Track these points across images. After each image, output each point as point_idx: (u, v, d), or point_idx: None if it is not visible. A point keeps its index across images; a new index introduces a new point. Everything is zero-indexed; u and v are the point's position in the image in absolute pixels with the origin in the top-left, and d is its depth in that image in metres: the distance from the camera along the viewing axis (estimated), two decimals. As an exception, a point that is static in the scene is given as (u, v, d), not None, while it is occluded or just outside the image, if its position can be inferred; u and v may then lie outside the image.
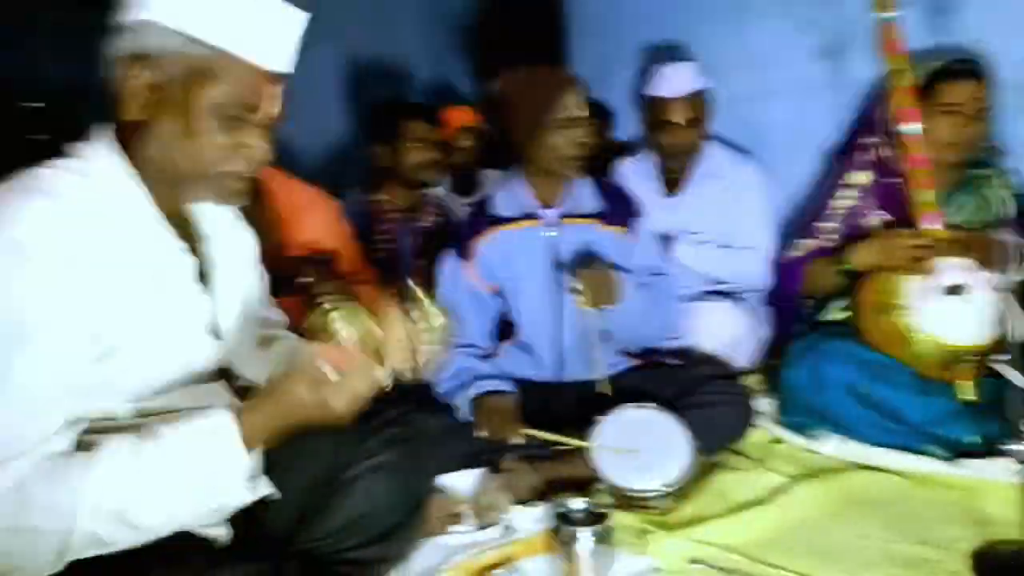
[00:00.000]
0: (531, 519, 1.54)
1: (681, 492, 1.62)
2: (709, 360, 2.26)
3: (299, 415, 1.03)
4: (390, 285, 2.37)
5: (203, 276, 1.13)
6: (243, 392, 1.21)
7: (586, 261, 1.84)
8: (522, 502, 1.61)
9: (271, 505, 1.25)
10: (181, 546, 1.01)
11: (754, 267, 2.41)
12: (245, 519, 1.18)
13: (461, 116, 3.06)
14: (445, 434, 1.70)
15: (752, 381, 2.26)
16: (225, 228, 1.20)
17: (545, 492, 1.65)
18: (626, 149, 3.30)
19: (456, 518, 1.57)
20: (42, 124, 3.07)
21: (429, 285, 2.18)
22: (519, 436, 1.73)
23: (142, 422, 1.01)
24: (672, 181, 2.56)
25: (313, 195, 1.99)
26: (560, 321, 1.92)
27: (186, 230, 1.11)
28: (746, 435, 1.88)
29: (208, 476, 0.99)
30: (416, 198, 2.49)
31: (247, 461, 1.01)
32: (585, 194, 1.96)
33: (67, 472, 0.91)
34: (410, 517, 1.33)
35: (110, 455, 0.94)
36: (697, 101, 2.40)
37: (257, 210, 1.84)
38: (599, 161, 3.05)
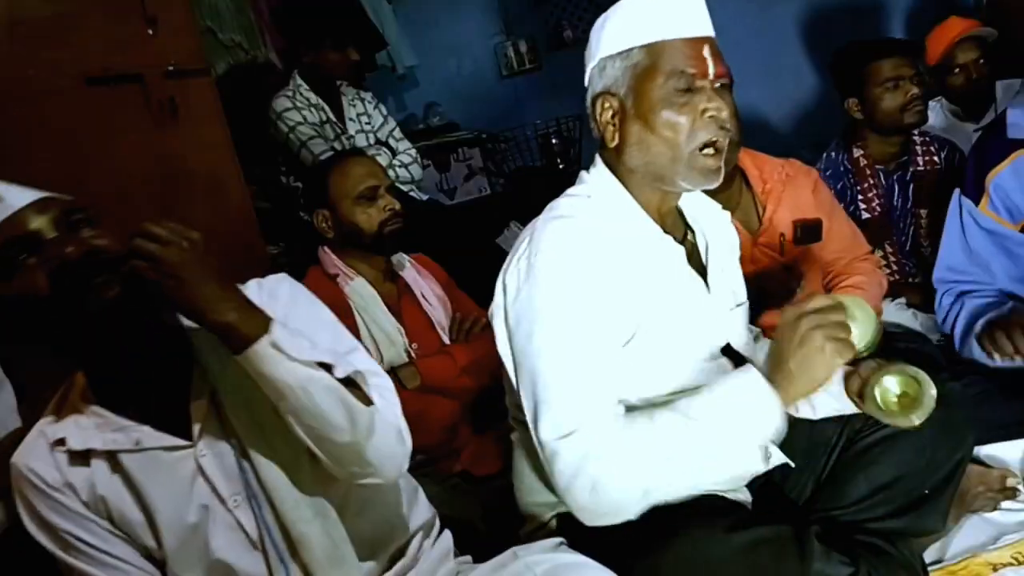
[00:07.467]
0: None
1: None
2: None
3: (814, 373, 1.05)
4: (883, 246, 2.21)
5: (698, 264, 1.28)
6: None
7: None
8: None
9: (789, 474, 1.31)
10: (709, 505, 1.14)
11: None
12: (765, 486, 1.28)
13: (956, 27, 2.64)
14: (978, 399, 1.54)
15: None
16: (711, 221, 1.34)
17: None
18: None
19: (1007, 492, 1.41)
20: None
21: (935, 237, 1.95)
22: None
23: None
24: None
25: (789, 169, 1.99)
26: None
27: (676, 226, 1.29)
28: None
29: (744, 431, 1.06)
30: (901, 144, 2.25)
31: (780, 414, 1.06)
32: None
33: (632, 439, 1.05)
34: (943, 488, 1.25)
35: (663, 422, 1.07)
36: None
37: (738, 195, 1.94)
38: None
